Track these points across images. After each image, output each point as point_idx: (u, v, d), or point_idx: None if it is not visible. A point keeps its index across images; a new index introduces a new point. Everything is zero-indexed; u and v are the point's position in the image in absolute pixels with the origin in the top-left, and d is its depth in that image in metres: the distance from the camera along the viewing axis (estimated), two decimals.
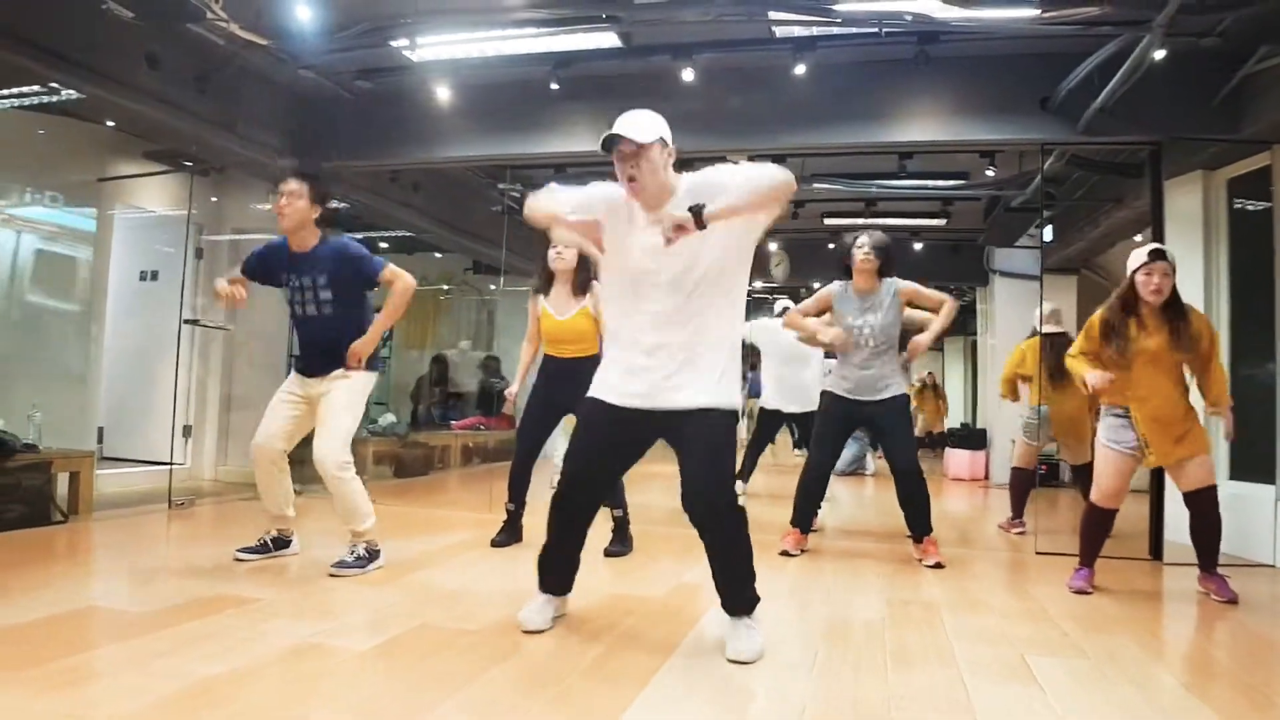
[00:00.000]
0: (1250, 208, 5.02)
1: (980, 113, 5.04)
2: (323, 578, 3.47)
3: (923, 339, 4.36)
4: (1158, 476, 4.57)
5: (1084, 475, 5.38)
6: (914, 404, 12.57)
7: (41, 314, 5.70)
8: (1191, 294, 4.92)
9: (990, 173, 6.22)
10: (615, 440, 2.81)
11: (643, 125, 2.60)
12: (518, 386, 4.49)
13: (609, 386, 2.77)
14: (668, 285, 2.66)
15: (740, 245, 2.68)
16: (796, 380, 6.05)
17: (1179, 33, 3.91)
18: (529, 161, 6.28)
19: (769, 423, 6.29)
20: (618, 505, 4.22)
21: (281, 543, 3.82)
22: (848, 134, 5.24)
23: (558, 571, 2.92)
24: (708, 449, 2.67)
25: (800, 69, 4.80)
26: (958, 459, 9.43)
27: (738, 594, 2.73)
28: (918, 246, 9.10)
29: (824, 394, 4.45)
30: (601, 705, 2.19)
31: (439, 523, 4.92)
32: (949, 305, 4.26)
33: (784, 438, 8.41)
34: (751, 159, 5.90)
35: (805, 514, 4.45)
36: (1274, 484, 4.52)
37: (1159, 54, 4.04)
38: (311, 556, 3.84)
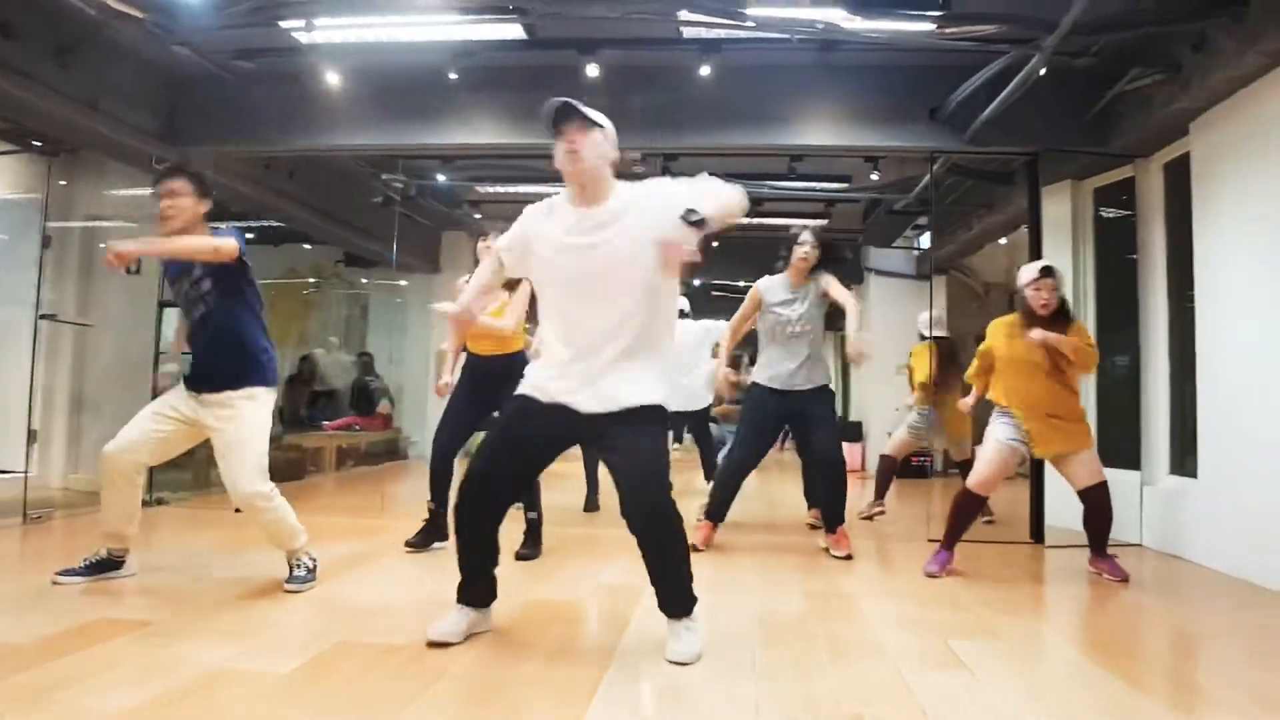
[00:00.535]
0: (1113, 215, 5.42)
1: (872, 120, 5.22)
2: (216, 596, 3.21)
3: (858, 340, 4.44)
4: (1037, 464, 4.85)
5: (967, 469, 5.67)
6: None
7: None
8: None
9: (875, 176, 6.45)
10: (536, 437, 2.72)
11: (593, 111, 2.62)
12: (448, 377, 4.31)
13: (536, 384, 2.71)
14: (594, 282, 2.62)
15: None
16: (686, 381, 6.13)
17: (1057, 51, 4.14)
18: (422, 152, 6.09)
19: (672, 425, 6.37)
20: (532, 507, 4.14)
21: (111, 564, 3.39)
22: (746, 136, 5.31)
23: (474, 580, 2.79)
24: (644, 450, 2.63)
25: (705, 70, 4.85)
26: None
27: (677, 596, 2.70)
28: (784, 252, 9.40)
29: (755, 387, 4.51)
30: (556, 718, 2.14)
31: (328, 530, 4.61)
32: (853, 303, 4.39)
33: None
34: (645, 156, 5.99)
35: (721, 507, 4.50)
36: (1139, 470, 4.89)
37: (1042, 70, 4.27)
38: (197, 573, 3.58)
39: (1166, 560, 4.49)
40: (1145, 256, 5.06)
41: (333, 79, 5.12)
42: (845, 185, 7.10)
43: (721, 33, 4.54)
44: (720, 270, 9.43)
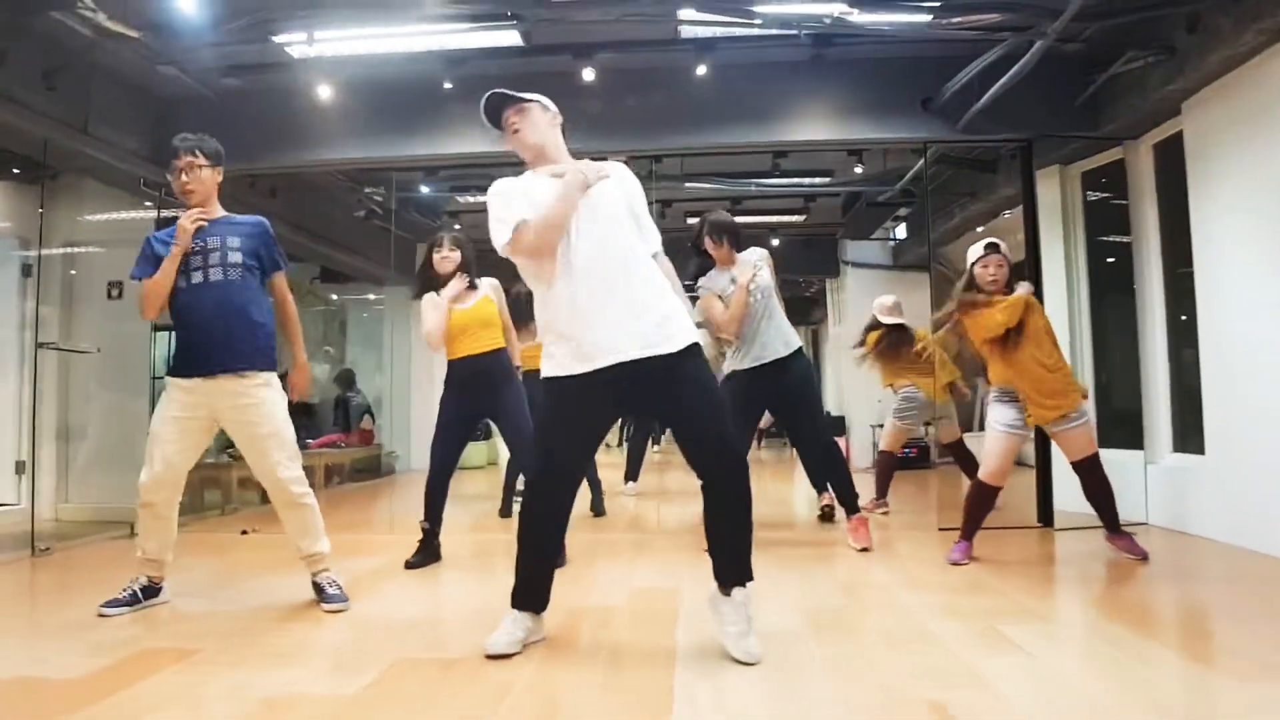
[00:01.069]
0: (1100, 197, 5.53)
1: (865, 112, 5.28)
2: (252, 620, 3.14)
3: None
4: (1043, 451, 4.92)
5: (956, 449, 5.75)
6: None
7: None
8: (1055, 276, 5.39)
9: (858, 170, 6.52)
10: (588, 412, 2.64)
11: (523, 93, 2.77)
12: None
13: (562, 362, 2.60)
14: (594, 225, 2.59)
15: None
16: None
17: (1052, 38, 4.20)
18: (413, 164, 6.01)
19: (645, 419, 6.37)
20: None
21: (151, 591, 3.31)
22: (740, 134, 5.34)
23: (535, 585, 2.74)
24: (705, 391, 2.60)
25: (702, 69, 4.85)
26: None
27: (742, 560, 2.64)
28: (775, 242, 9.40)
29: (734, 376, 4.41)
30: None
31: (343, 547, 4.53)
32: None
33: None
34: (631, 159, 5.98)
35: None
36: (1142, 450, 4.98)
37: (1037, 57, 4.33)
38: (223, 598, 3.50)
39: (1175, 536, 4.58)
40: (1138, 236, 5.16)
41: (323, 93, 5.06)
42: (827, 180, 7.15)
43: (719, 31, 4.55)
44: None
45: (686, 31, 4.58)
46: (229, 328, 3.15)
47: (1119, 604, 3.38)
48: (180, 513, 3.35)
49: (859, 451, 9.25)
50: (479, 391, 4.05)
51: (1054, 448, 4.36)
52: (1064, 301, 5.42)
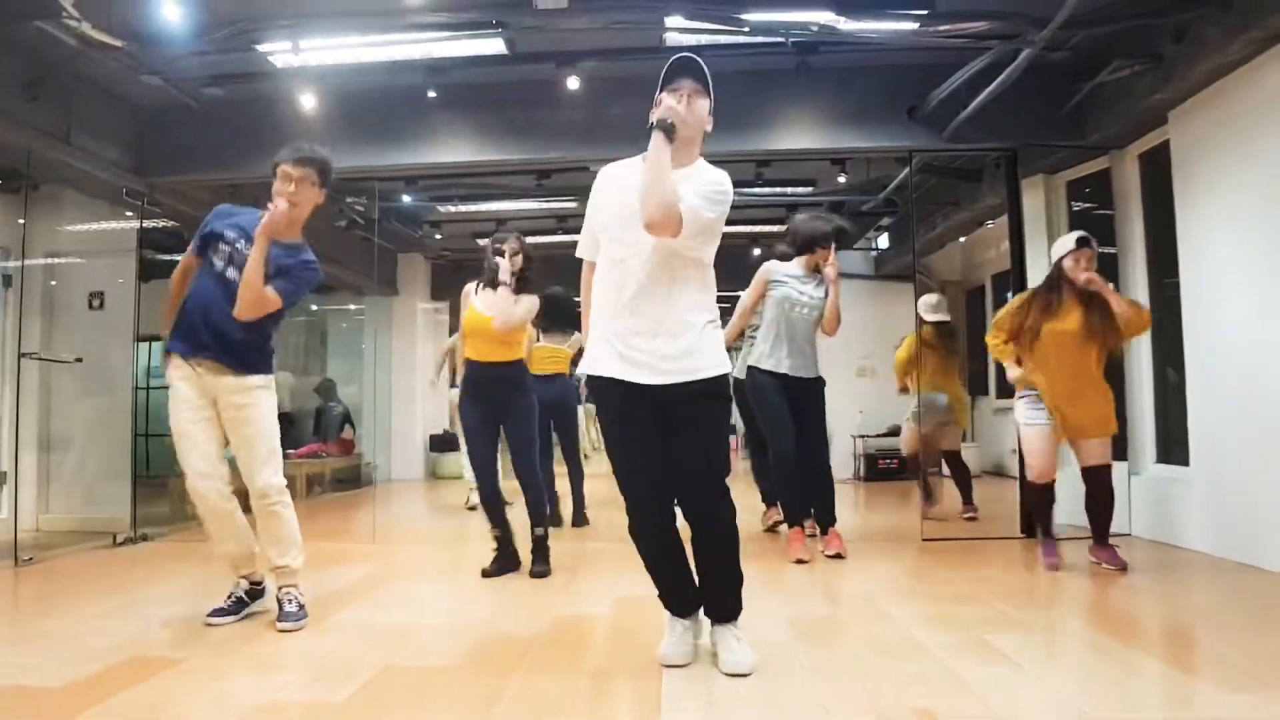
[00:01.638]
0: (1085, 207, 5.53)
1: (850, 121, 5.27)
2: (239, 627, 3.12)
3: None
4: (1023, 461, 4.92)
5: (954, 460, 5.75)
6: None
7: None
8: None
9: (841, 179, 6.52)
10: (644, 415, 2.52)
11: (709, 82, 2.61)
12: (435, 377, 4.22)
13: (608, 363, 2.52)
14: (642, 249, 2.49)
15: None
16: None
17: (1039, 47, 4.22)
18: (396, 173, 5.98)
19: None
20: (539, 523, 4.08)
21: (255, 593, 3.30)
22: (722, 143, 5.27)
23: (677, 590, 2.67)
24: (707, 430, 2.54)
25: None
26: None
27: (729, 598, 2.63)
28: (756, 252, 9.38)
29: (754, 374, 4.51)
30: None
31: (327, 557, 4.53)
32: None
33: None
34: None
35: (797, 506, 4.50)
36: (1126, 460, 4.97)
37: (1023, 66, 4.34)
38: (209, 606, 3.35)
39: (1158, 548, 4.56)
40: (1123, 246, 5.17)
41: (306, 103, 5.01)
42: (810, 190, 7.16)
43: (705, 39, 4.54)
44: None
45: (672, 39, 4.57)
46: (243, 330, 3.12)
47: (1104, 615, 3.37)
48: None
49: (841, 462, 9.25)
50: (494, 394, 4.00)
51: None
52: None
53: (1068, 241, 4.00)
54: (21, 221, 5.95)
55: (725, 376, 2.54)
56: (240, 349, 3.13)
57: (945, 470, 5.96)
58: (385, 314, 9.70)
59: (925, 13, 4.15)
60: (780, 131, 5.29)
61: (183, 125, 5.39)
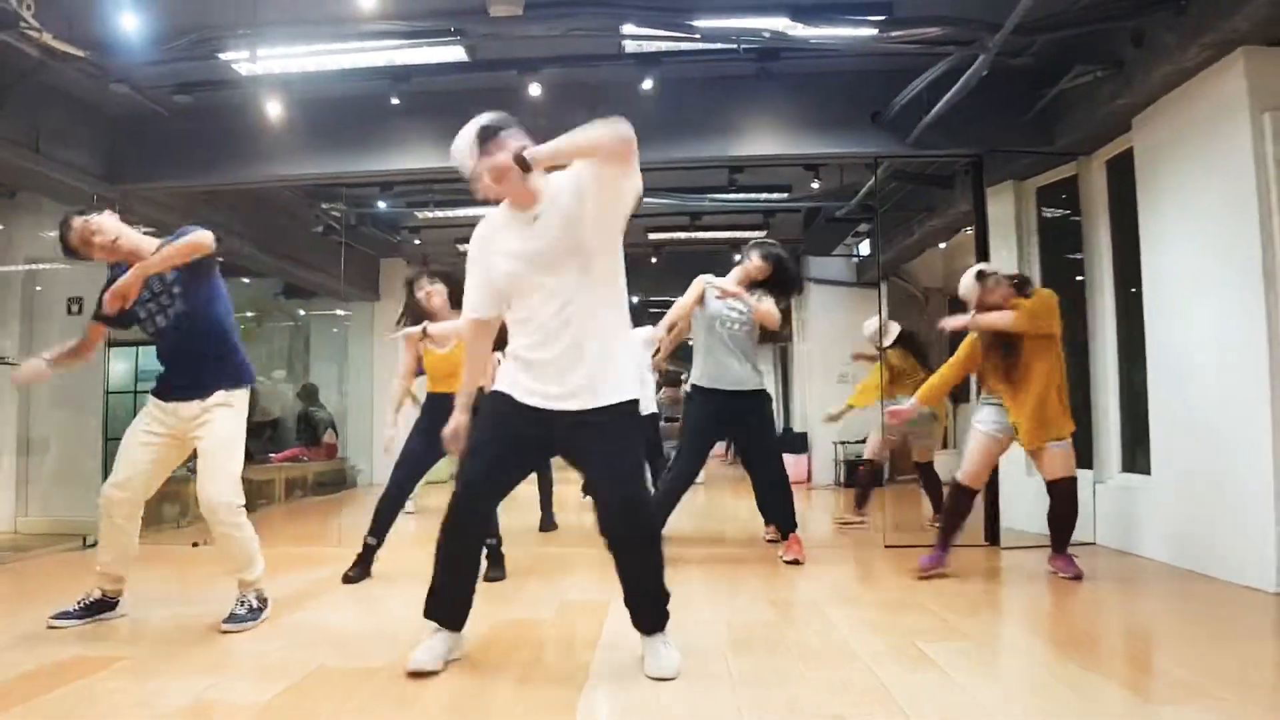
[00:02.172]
0: (1057, 214, 5.52)
1: (815, 127, 5.26)
2: (186, 630, 3.13)
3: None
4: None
5: (926, 470, 5.73)
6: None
7: None
8: None
9: (815, 185, 6.52)
10: (519, 437, 2.60)
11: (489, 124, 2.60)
12: (392, 430, 4.25)
13: (513, 382, 2.61)
14: (540, 277, 2.54)
15: (600, 227, 2.56)
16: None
17: (998, 52, 4.19)
18: (364, 179, 5.99)
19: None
20: (490, 534, 4.06)
21: (106, 605, 3.28)
22: (688, 149, 5.33)
23: (455, 602, 2.70)
24: (618, 454, 2.57)
25: (647, 84, 4.84)
26: None
27: (654, 611, 2.66)
28: (737, 258, 9.33)
29: (694, 392, 4.55)
30: None
31: (289, 560, 4.54)
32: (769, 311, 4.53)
33: None
34: None
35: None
36: (1091, 469, 4.94)
37: (984, 71, 4.33)
38: (165, 608, 3.48)
39: (1120, 557, 4.54)
40: (1090, 253, 5.16)
41: (273, 110, 5.01)
42: (785, 195, 7.15)
43: (663, 45, 4.55)
44: (657, 284, 9.22)
45: (630, 46, 4.57)
46: (199, 360, 3.19)
47: (1049, 624, 3.36)
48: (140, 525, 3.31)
49: (821, 468, 9.26)
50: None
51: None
52: None
53: (970, 283, 4.05)
54: (1, 227, 6.02)
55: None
56: (210, 371, 3.19)
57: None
58: (367, 319, 9.70)
59: (883, 19, 4.14)
60: (745, 137, 5.28)
61: (153, 133, 5.41)
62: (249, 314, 9.83)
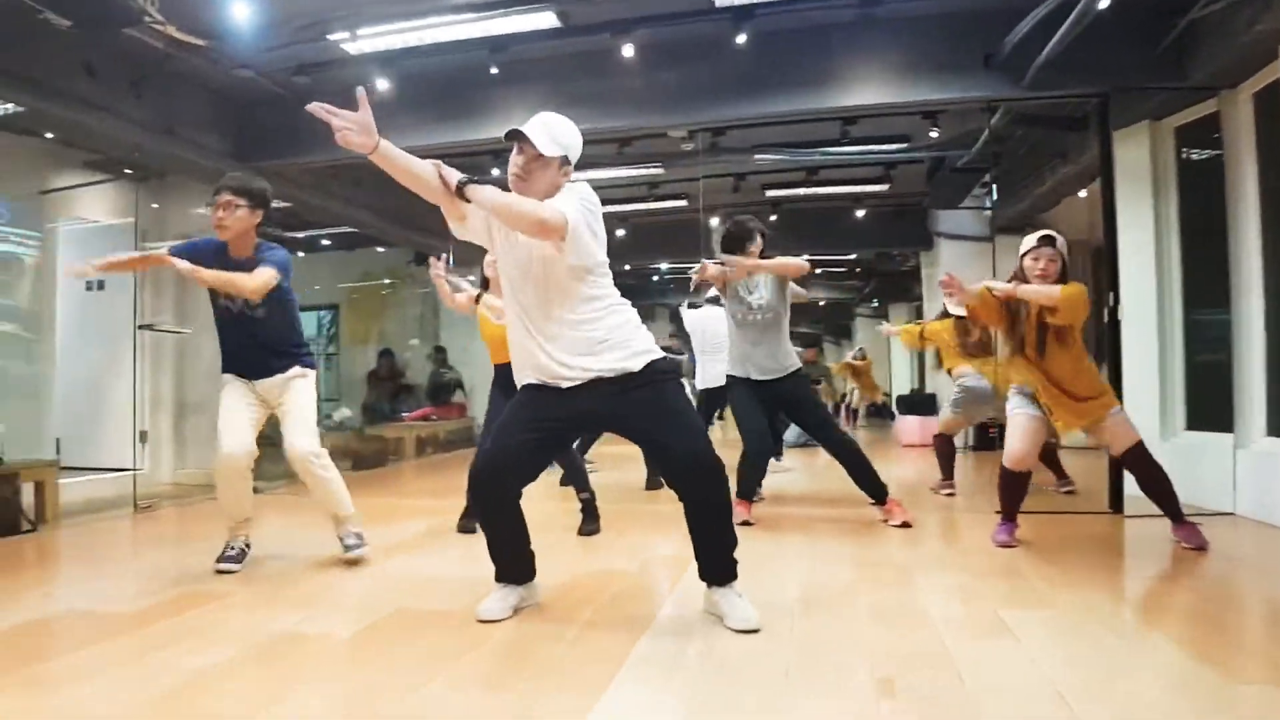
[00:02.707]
0: (1197, 156, 5.04)
1: (924, 73, 5.00)
2: (289, 570, 3.50)
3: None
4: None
5: (944, 444, 5.59)
6: (849, 379, 12.76)
7: None
8: (1142, 244, 4.99)
9: (934, 134, 6.22)
10: (544, 419, 2.69)
11: (554, 132, 2.61)
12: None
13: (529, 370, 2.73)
14: (519, 276, 2.65)
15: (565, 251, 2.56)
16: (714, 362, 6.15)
17: None
18: (471, 149, 6.16)
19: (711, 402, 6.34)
20: (583, 489, 4.21)
21: (247, 550, 3.68)
22: (788, 102, 5.20)
23: (509, 558, 2.82)
24: (669, 409, 2.62)
25: (741, 38, 4.74)
26: (908, 425, 9.40)
27: (723, 560, 2.68)
28: (860, 214, 9.07)
29: (730, 381, 4.54)
30: (590, 676, 2.20)
31: (401, 512, 4.92)
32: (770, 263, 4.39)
33: None
34: (692, 133, 5.99)
35: (752, 484, 4.49)
36: (1231, 433, 4.55)
37: (1103, 3, 3.99)
38: (275, 552, 3.82)
39: (1261, 529, 4.15)
40: (1236, 199, 4.66)
41: (381, 85, 5.25)
42: (904, 146, 6.85)
43: None
44: (776, 242, 9.15)
45: (721, 1, 4.48)
46: (268, 353, 3.56)
47: (1149, 597, 3.16)
48: (284, 478, 3.72)
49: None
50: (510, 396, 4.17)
51: None
52: (1152, 273, 5.02)
53: (1030, 240, 3.78)
54: (155, 206, 6.58)
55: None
56: (280, 355, 3.55)
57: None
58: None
59: None
60: (849, 86, 5.09)
61: (277, 113, 5.76)
62: (385, 281, 10.35)
